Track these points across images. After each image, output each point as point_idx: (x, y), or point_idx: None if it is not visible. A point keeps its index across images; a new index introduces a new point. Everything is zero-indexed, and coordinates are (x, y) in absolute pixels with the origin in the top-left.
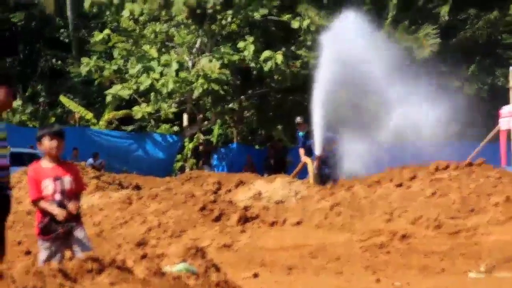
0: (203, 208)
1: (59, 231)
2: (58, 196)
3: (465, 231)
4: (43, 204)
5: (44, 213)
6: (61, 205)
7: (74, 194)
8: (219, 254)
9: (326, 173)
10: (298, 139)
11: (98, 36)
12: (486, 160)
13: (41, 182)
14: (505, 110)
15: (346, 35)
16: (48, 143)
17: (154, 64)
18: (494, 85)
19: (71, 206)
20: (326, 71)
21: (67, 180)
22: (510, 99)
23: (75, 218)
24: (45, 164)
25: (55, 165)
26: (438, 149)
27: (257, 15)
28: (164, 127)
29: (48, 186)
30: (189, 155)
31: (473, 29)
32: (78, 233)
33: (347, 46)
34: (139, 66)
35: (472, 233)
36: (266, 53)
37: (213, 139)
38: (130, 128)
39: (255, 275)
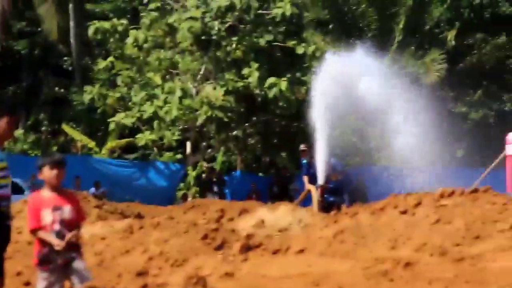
0: (205, 237)
1: (58, 262)
2: (57, 226)
3: (470, 258)
4: (42, 234)
5: (43, 243)
6: (60, 235)
7: (74, 224)
8: (221, 283)
9: (330, 201)
10: (302, 166)
11: (101, 64)
12: (492, 186)
13: (40, 211)
14: None
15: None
16: (48, 172)
17: (157, 91)
18: (501, 111)
19: (70, 236)
20: (325, 98)
21: (67, 209)
22: None
23: (75, 249)
24: (46, 193)
25: (55, 195)
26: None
27: (262, 42)
28: (167, 155)
29: (47, 216)
30: (192, 183)
31: (480, 54)
32: (78, 264)
33: (347, 73)
34: (142, 94)
35: (477, 260)
36: (271, 80)
37: (217, 167)
38: (133, 156)
39: None
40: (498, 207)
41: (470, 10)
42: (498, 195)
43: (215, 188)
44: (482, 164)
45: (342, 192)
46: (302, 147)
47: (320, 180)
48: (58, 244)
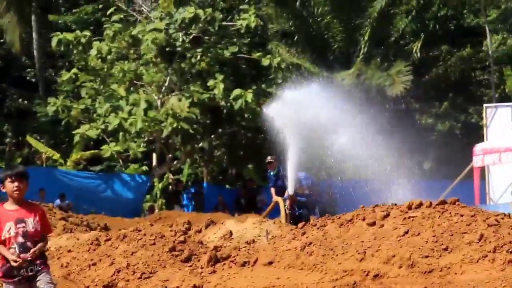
0: (172, 249)
1: (23, 275)
2: (20, 239)
3: (439, 270)
4: (1, 249)
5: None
6: (24, 247)
7: (39, 236)
8: None
9: (299, 214)
10: (269, 178)
11: (65, 76)
12: (460, 198)
13: (3, 225)
14: (479, 147)
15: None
16: (10, 185)
17: (122, 103)
18: (467, 123)
19: (34, 250)
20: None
21: (31, 222)
22: (484, 136)
23: (40, 261)
24: (9, 206)
25: (18, 207)
26: (411, 188)
27: (227, 53)
28: (133, 167)
29: (11, 229)
30: (158, 195)
31: (446, 66)
32: (43, 277)
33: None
34: (107, 106)
35: (446, 272)
36: (236, 92)
37: (183, 179)
38: (98, 168)
39: None
40: (466, 219)
41: (435, 22)
42: (466, 207)
43: (183, 200)
44: (449, 176)
45: (310, 206)
46: (269, 159)
47: (290, 191)
48: (14, 260)
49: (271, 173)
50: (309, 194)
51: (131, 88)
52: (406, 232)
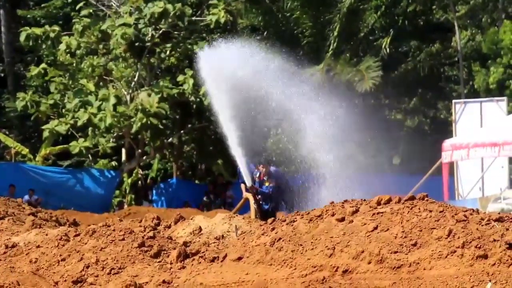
0: (142, 244)
1: None
2: None
3: (408, 265)
4: None
5: None
6: None
7: None
8: None
9: (267, 208)
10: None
11: (34, 70)
12: (429, 193)
13: None
14: (448, 143)
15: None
16: None
17: (91, 98)
18: (436, 118)
19: None
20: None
21: None
22: (452, 132)
23: None
24: None
25: None
26: (380, 182)
27: (196, 49)
28: (102, 162)
29: None
30: (127, 191)
31: (415, 62)
32: None
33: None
34: (76, 101)
35: (415, 267)
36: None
37: (152, 174)
38: (67, 163)
39: None
40: (435, 215)
41: (404, 18)
42: (434, 202)
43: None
44: (418, 171)
45: (276, 198)
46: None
47: (247, 183)
48: None
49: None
50: (274, 186)
51: (101, 83)
52: (375, 228)
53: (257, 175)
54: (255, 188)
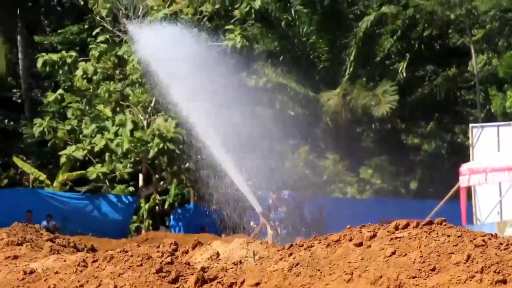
0: (160, 270)
1: None
2: None
3: None
4: None
5: None
6: None
7: None
8: None
9: (285, 234)
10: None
11: (51, 96)
12: (447, 218)
13: None
14: (465, 167)
15: None
16: None
17: (108, 124)
18: (453, 142)
19: None
20: None
21: None
22: (470, 156)
23: None
24: None
25: None
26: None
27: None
28: (120, 187)
29: None
30: (145, 216)
31: (431, 86)
32: None
33: None
34: (93, 126)
35: None
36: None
37: (170, 199)
38: (84, 189)
39: None
40: (453, 239)
41: (420, 42)
42: (453, 227)
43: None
44: (435, 195)
45: (291, 222)
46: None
47: (257, 209)
48: None
49: (259, 193)
50: (286, 211)
51: (117, 109)
52: (393, 253)
53: (270, 201)
54: (267, 214)
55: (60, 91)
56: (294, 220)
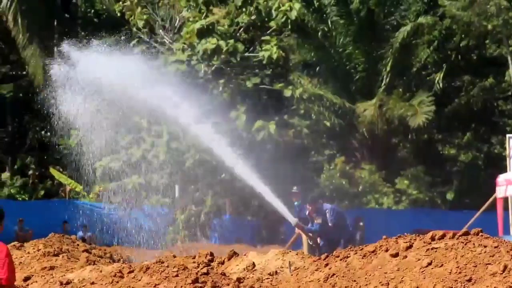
0: (195, 281)
1: None
2: None
3: None
4: None
5: None
6: None
7: None
8: None
9: (322, 244)
10: (294, 209)
11: None
12: (483, 229)
13: None
14: (502, 178)
15: None
16: None
17: (144, 134)
18: (490, 153)
19: None
20: None
21: None
22: (507, 167)
23: None
24: None
25: None
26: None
27: (249, 84)
28: (155, 198)
29: None
30: (180, 227)
31: (468, 96)
32: None
33: None
34: (129, 137)
35: None
36: (259, 123)
37: (205, 210)
38: (120, 200)
39: None
40: (489, 250)
41: (457, 52)
42: (489, 237)
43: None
44: (472, 206)
45: (329, 234)
46: (294, 189)
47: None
48: None
49: (295, 203)
50: (321, 223)
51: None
52: (430, 264)
53: (307, 212)
54: (301, 226)
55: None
56: (334, 232)
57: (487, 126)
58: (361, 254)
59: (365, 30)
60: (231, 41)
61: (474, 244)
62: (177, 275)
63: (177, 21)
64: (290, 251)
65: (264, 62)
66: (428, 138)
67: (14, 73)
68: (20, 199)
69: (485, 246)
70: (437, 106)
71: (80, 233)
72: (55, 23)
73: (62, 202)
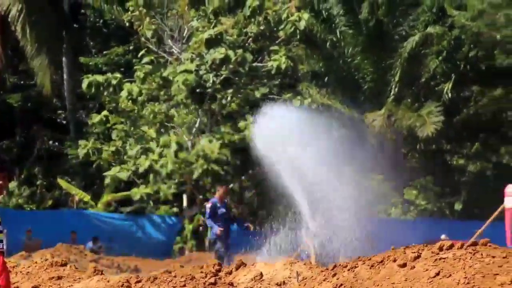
0: None
1: None
2: None
3: None
4: None
5: None
6: None
7: None
8: None
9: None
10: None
11: (96, 118)
12: (491, 239)
13: None
14: (510, 188)
15: None
16: None
17: (153, 145)
18: (499, 163)
19: None
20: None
21: None
22: None
23: None
24: None
25: None
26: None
27: (257, 94)
28: (163, 208)
29: None
30: (188, 237)
31: (477, 107)
32: None
33: None
34: (137, 147)
35: None
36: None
37: None
38: (128, 210)
39: None
40: (498, 260)
41: (466, 63)
42: (497, 248)
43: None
44: (480, 217)
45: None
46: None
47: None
48: None
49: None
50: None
51: (162, 130)
52: (438, 274)
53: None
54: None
55: (105, 112)
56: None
57: (496, 137)
58: (369, 264)
59: (374, 40)
60: (240, 51)
61: (482, 254)
62: (184, 285)
63: (186, 31)
64: (298, 261)
65: (273, 72)
66: (437, 149)
67: (22, 83)
68: (28, 209)
69: (493, 257)
70: (445, 117)
71: (90, 244)
72: (64, 33)
73: (71, 212)
